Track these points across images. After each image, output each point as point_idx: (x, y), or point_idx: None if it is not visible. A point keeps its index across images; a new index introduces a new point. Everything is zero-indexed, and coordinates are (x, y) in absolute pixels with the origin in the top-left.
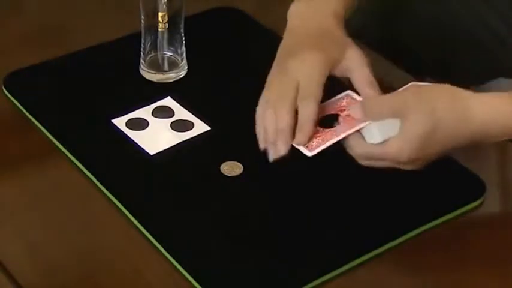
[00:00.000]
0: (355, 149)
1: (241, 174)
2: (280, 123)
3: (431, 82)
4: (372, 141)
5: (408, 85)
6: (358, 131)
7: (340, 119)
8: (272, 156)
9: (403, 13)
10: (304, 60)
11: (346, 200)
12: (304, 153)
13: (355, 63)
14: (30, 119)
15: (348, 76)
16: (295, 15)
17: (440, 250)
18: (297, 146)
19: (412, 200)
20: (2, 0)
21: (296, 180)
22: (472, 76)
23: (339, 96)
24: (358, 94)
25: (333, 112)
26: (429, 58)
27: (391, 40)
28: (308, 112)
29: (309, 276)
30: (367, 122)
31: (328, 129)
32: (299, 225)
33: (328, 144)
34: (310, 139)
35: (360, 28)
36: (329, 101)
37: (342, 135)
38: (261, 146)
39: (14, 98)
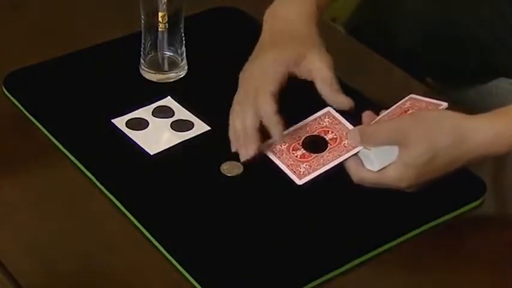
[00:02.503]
0: (353, 175)
1: (241, 174)
2: (245, 124)
3: (431, 82)
4: (369, 168)
5: (407, 98)
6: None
7: (328, 144)
8: (243, 157)
9: (403, 13)
10: (261, 62)
11: (347, 200)
12: (294, 180)
13: (316, 65)
14: (30, 119)
15: (310, 78)
16: (267, 20)
17: (440, 250)
18: (286, 172)
19: (412, 200)
20: (2, 0)
21: None
22: (472, 76)
23: (319, 113)
24: (337, 111)
25: (315, 133)
26: (429, 58)
27: (391, 40)
28: (267, 107)
29: (309, 276)
30: (357, 149)
31: (314, 155)
32: (299, 225)
33: (318, 172)
34: (297, 164)
35: (359, 28)
36: (309, 119)
37: (332, 164)
38: (232, 148)
39: (14, 98)
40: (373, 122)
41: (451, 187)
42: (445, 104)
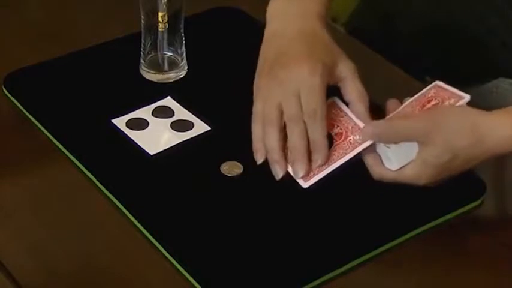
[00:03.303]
0: (373, 172)
1: (241, 174)
2: (295, 145)
3: (431, 82)
4: (388, 166)
5: (432, 85)
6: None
7: (333, 140)
8: (279, 174)
9: (403, 13)
10: (301, 70)
11: (347, 200)
12: (300, 183)
13: (348, 74)
14: (30, 119)
15: (339, 85)
16: (276, 16)
17: (440, 250)
18: (292, 175)
19: (412, 200)
20: (2, 0)
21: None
22: (472, 76)
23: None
24: (343, 102)
25: None
26: (429, 58)
27: (391, 40)
28: (321, 132)
29: (309, 276)
30: (362, 146)
31: None
32: (299, 225)
33: (323, 174)
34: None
35: (360, 28)
36: None
37: (338, 163)
38: (260, 160)
39: (14, 98)
40: (397, 111)
41: (451, 187)
42: (467, 97)
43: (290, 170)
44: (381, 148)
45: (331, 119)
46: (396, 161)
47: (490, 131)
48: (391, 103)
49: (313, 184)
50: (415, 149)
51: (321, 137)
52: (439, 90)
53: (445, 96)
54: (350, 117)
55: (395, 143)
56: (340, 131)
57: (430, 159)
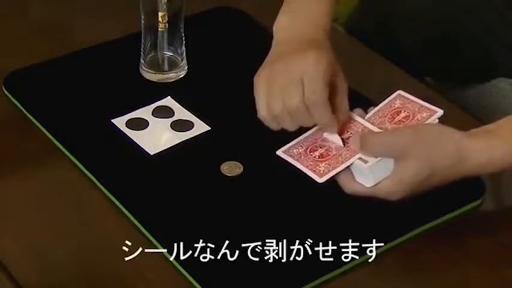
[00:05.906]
0: (346, 188)
1: (241, 174)
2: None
3: (431, 82)
4: (363, 182)
5: (395, 95)
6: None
7: (345, 143)
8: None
9: (403, 13)
10: (306, 58)
11: (346, 200)
12: (315, 179)
13: (341, 88)
14: (30, 119)
15: (335, 85)
16: (282, 29)
17: (440, 250)
18: (306, 172)
19: (412, 200)
20: (2, 0)
21: (296, 179)
22: (472, 76)
23: None
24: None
25: None
26: (429, 58)
27: (391, 40)
28: (328, 115)
29: (309, 276)
30: None
31: (332, 154)
32: (299, 225)
33: (337, 170)
34: (316, 164)
35: (359, 28)
36: None
37: (351, 161)
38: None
39: (14, 98)
40: (366, 117)
41: (451, 187)
42: (440, 111)
43: (303, 169)
44: (357, 164)
45: (341, 126)
46: (372, 177)
47: (470, 155)
48: (357, 112)
49: (310, 182)
50: (390, 165)
51: (328, 119)
52: (404, 101)
53: (415, 108)
54: (358, 122)
55: (378, 156)
56: (351, 135)
57: (407, 175)
